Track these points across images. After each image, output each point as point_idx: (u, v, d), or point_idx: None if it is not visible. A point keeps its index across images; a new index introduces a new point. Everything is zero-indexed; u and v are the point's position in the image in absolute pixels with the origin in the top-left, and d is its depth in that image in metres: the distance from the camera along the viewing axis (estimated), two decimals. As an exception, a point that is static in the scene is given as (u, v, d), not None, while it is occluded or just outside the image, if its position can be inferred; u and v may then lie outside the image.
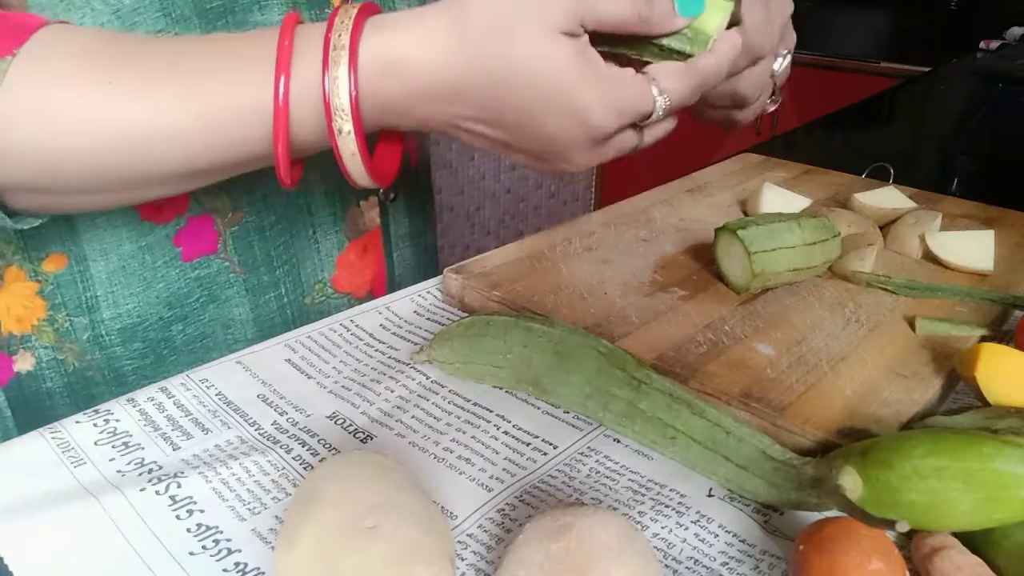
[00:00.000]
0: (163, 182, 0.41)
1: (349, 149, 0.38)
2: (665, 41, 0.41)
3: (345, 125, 0.37)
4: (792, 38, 0.50)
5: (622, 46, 0.41)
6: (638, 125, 0.42)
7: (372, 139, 0.41)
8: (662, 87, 0.40)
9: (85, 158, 0.38)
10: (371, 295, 0.63)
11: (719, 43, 0.42)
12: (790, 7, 0.49)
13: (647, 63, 0.42)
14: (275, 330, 0.57)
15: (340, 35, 0.37)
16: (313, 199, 0.57)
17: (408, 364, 0.50)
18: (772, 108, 0.53)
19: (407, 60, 0.37)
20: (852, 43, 2.32)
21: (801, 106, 2.21)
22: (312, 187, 0.57)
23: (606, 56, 0.40)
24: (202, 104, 0.37)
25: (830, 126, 1.21)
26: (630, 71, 0.40)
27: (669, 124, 0.44)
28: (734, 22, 0.43)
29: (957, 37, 1.98)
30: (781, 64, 0.51)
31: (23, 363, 0.52)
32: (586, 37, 0.38)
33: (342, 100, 0.37)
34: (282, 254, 0.57)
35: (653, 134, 0.44)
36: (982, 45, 1.79)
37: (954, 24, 2.29)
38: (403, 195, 0.64)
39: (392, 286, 0.65)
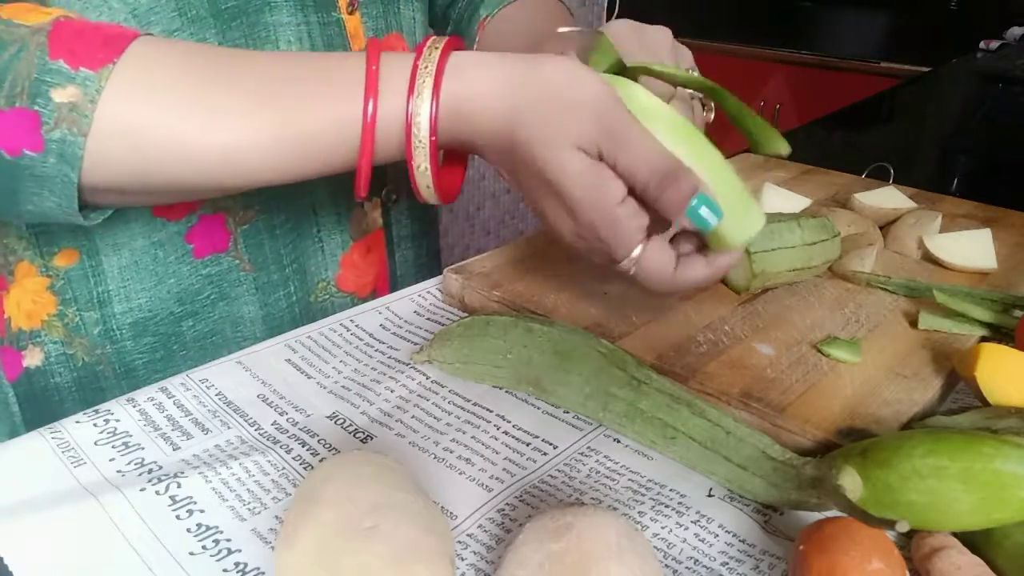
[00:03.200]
0: (241, 188, 0.44)
1: (423, 165, 0.42)
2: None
3: (423, 143, 0.41)
4: (686, 54, 0.53)
5: None
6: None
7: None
8: (640, 258, 0.43)
9: (175, 172, 0.40)
10: (374, 295, 0.63)
11: (718, 261, 0.45)
12: (667, 33, 0.52)
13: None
14: (283, 328, 0.57)
15: (428, 64, 0.40)
16: (318, 199, 0.58)
17: (408, 364, 0.50)
18: (711, 118, 0.54)
19: (474, 103, 0.41)
20: (852, 43, 2.32)
21: (801, 106, 2.21)
22: (318, 187, 0.57)
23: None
24: (290, 122, 0.40)
25: (830, 126, 1.22)
26: (640, 219, 0.42)
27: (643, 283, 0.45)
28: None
29: (957, 37, 1.98)
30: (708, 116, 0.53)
31: (32, 358, 0.53)
32: (603, 167, 0.41)
33: (422, 122, 0.40)
34: (290, 252, 0.57)
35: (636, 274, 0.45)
36: (982, 45, 1.79)
37: (954, 24, 2.30)
38: (406, 197, 0.64)
39: (394, 287, 0.65)
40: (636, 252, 0.42)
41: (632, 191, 0.41)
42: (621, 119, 0.40)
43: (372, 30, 0.56)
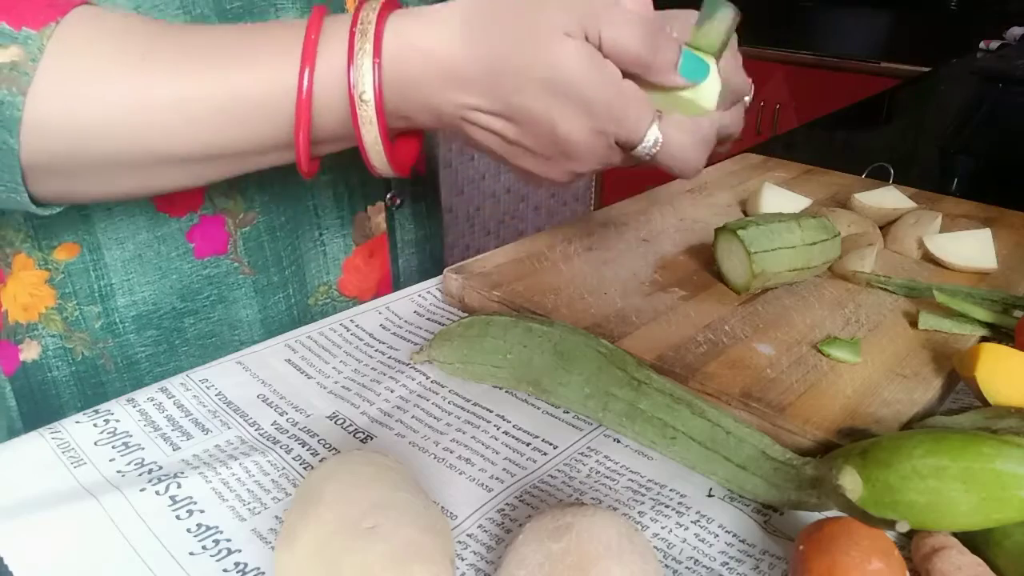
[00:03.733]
0: (182, 163, 0.42)
1: (372, 135, 0.40)
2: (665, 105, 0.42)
3: (368, 113, 0.39)
4: (748, 81, 0.52)
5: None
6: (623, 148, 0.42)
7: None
8: (662, 130, 0.41)
9: (111, 131, 0.38)
10: (376, 297, 0.63)
11: (723, 118, 0.44)
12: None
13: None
14: (282, 332, 0.57)
15: (365, 28, 0.38)
16: (321, 202, 0.58)
17: (408, 364, 0.50)
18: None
19: (423, 46, 0.39)
20: (852, 43, 2.32)
21: (801, 106, 2.21)
22: (321, 190, 0.57)
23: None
24: (228, 86, 0.39)
25: (830, 126, 1.22)
26: (642, 96, 0.41)
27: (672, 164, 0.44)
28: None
29: (957, 37, 1.98)
30: (747, 102, 0.52)
31: (29, 352, 0.53)
32: (594, 48, 0.39)
33: (367, 89, 0.38)
34: (290, 255, 0.57)
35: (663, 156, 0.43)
36: (982, 45, 1.79)
37: (954, 24, 2.30)
38: (409, 202, 0.64)
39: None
40: (652, 132, 0.41)
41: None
42: None
43: None
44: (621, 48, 0.39)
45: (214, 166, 0.43)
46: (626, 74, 0.40)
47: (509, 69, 0.38)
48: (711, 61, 0.42)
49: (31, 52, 0.36)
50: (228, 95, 0.39)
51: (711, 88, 0.42)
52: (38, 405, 0.54)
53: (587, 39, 0.39)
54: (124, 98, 0.38)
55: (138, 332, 0.53)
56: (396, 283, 0.65)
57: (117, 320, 0.52)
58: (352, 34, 0.38)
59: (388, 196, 0.62)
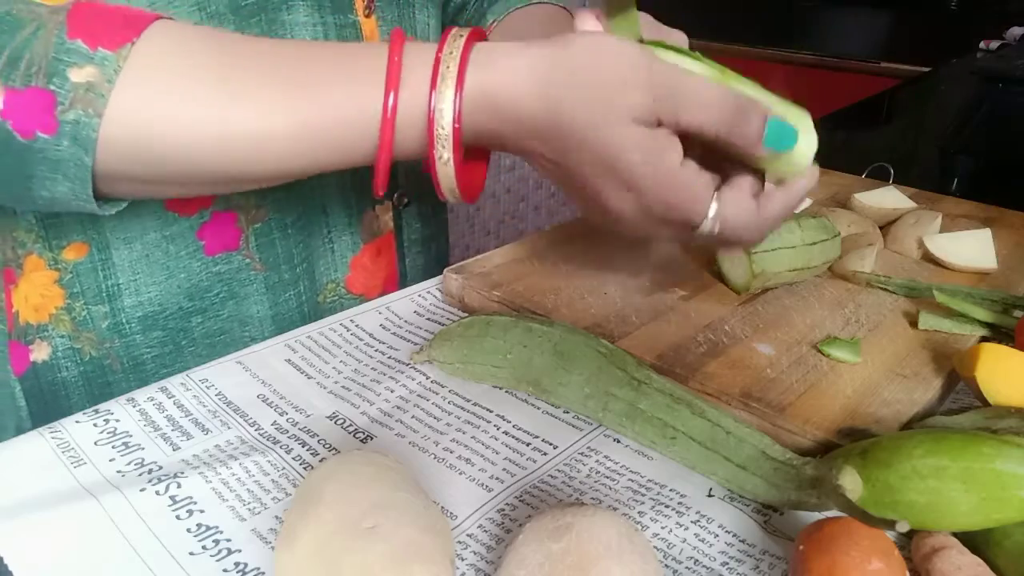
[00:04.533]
0: (258, 180, 0.43)
1: (445, 159, 0.41)
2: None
3: (445, 139, 0.40)
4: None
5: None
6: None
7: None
8: (720, 211, 0.42)
9: (190, 154, 0.39)
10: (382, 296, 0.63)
11: (795, 187, 0.44)
12: (683, 37, 0.50)
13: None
14: (292, 328, 0.57)
15: (450, 57, 0.39)
16: (329, 200, 0.58)
17: (408, 364, 0.50)
18: None
19: (502, 92, 0.40)
20: (852, 43, 2.32)
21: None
22: (329, 189, 0.57)
23: (709, 159, 0.42)
24: (311, 111, 0.39)
25: (830, 126, 1.21)
26: (703, 178, 0.41)
27: (732, 243, 0.44)
28: None
29: (957, 37, 1.98)
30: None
31: (39, 352, 0.53)
32: (665, 129, 0.40)
33: (446, 116, 0.39)
34: (301, 252, 0.57)
35: (718, 240, 0.44)
36: (982, 45, 1.79)
37: (954, 24, 2.29)
38: (416, 201, 0.64)
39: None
40: (713, 209, 0.41)
41: (693, 149, 0.40)
42: (670, 77, 0.39)
43: (388, 33, 0.56)
44: (698, 127, 0.40)
45: (285, 180, 0.44)
46: (714, 147, 0.41)
47: (575, 135, 0.40)
48: (803, 119, 0.42)
49: (107, 73, 0.37)
50: (309, 119, 0.39)
51: (803, 150, 0.42)
52: (47, 405, 0.54)
53: (660, 123, 0.39)
54: (200, 123, 0.38)
55: (144, 333, 0.53)
56: (403, 281, 0.65)
57: (123, 320, 0.52)
58: (437, 60, 0.39)
59: (396, 195, 0.62)
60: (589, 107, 0.39)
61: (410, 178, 0.63)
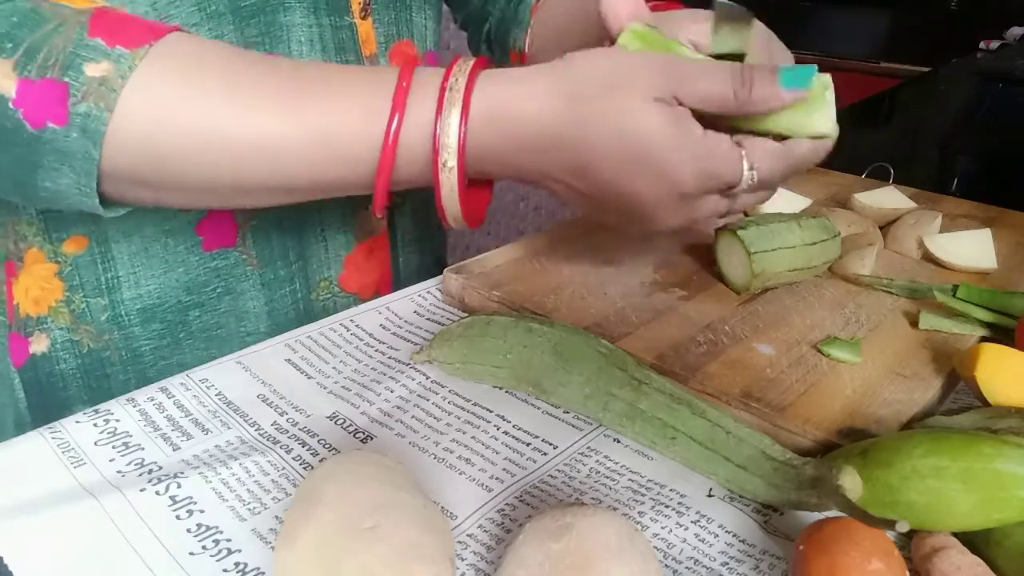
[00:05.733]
0: (260, 192, 0.43)
1: (449, 186, 0.41)
2: (770, 125, 0.43)
3: (450, 164, 0.40)
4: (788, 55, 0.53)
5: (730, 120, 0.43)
6: (726, 193, 0.43)
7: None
8: (753, 162, 0.42)
9: (194, 158, 0.40)
10: (376, 296, 0.63)
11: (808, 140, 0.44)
12: (790, 55, 0.50)
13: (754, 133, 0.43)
14: (287, 324, 0.58)
15: (456, 81, 0.40)
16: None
17: (408, 364, 0.50)
18: None
19: (511, 113, 0.40)
20: (852, 43, 2.32)
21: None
22: None
23: (709, 123, 0.41)
24: (316, 125, 0.40)
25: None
26: (725, 139, 0.42)
27: (761, 195, 0.45)
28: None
29: (957, 37, 1.98)
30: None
31: (38, 344, 0.53)
32: (682, 108, 0.40)
33: (451, 142, 0.40)
34: (295, 248, 0.58)
35: (743, 202, 0.45)
36: (982, 45, 1.79)
37: (954, 24, 2.30)
38: (410, 203, 0.64)
39: (397, 290, 0.65)
40: (746, 164, 0.42)
41: (714, 122, 0.41)
42: (676, 61, 0.40)
43: (384, 36, 0.56)
44: (714, 97, 0.40)
45: (289, 196, 0.44)
46: (730, 121, 0.41)
47: (600, 139, 0.40)
48: (814, 71, 0.42)
49: (121, 70, 0.37)
50: (314, 133, 0.40)
51: (823, 111, 0.43)
52: (46, 397, 0.54)
53: (679, 101, 0.40)
54: (207, 125, 0.39)
55: (142, 325, 0.54)
56: (396, 280, 0.65)
57: (122, 313, 0.53)
58: (443, 88, 0.39)
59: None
60: (608, 104, 0.39)
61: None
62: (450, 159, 0.40)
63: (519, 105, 0.40)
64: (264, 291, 0.57)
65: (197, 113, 0.39)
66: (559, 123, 0.40)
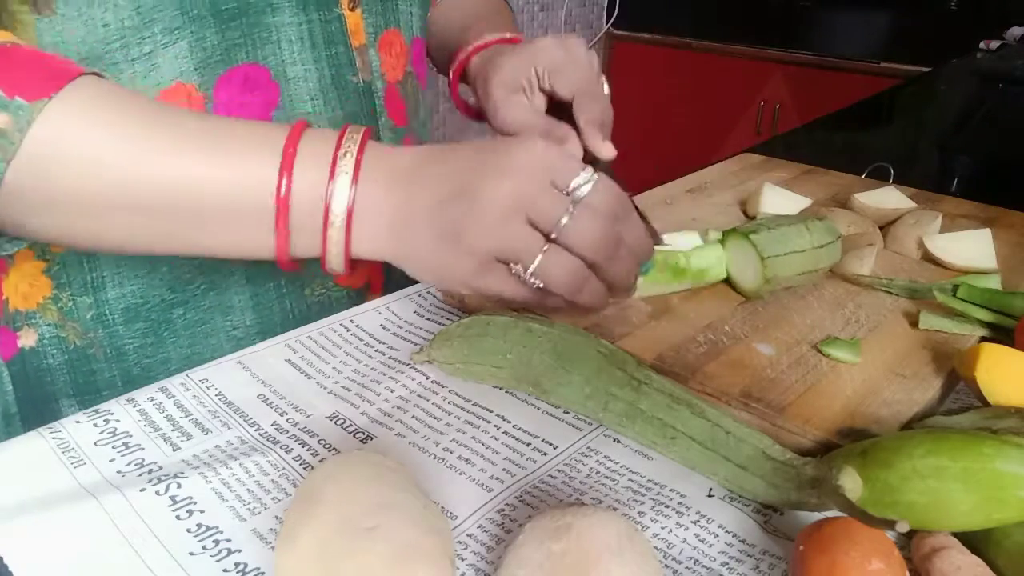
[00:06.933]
0: (161, 239, 0.42)
1: (336, 249, 0.40)
2: None
3: (337, 222, 0.39)
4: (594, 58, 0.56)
5: None
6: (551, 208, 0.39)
7: None
8: (593, 174, 0.40)
9: (98, 200, 0.39)
10: (367, 287, 0.63)
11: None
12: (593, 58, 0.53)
13: None
14: (274, 319, 0.58)
15: (348, 150, 0.40)
16: None
17: (408, 364, 0.50)
18: None
19: (390, 161, 0.41)
20: (852, 43, 2.32)
21: (801, 106, 2.21)
22: None
23: None
24: (224, 174, 0.39)
25: (830, 126, 1.21)
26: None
27: (588, 233, 0.39)
28: None
29: (957, 37, 1.98)
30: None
31: (27, 339, 0.54)
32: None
33: (340, 206, 0.39)
34: None
35: (575, 234, 0.39)
36: (982, 45, 1.79)
37: (954, 24, 2.29)
38: None
39: (388, 279, 0.65)
40: (585, 171, 0.40)
41: None
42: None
43: (372, 26, 0.57)
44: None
45: (197, 249, 0.43)
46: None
47: (452, 150, 0.41)
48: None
49: (19, 123, 0.37)
50: (223, 180, 0.39)
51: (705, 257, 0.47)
52: (32, 391, 0.55)
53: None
54: (99, 180, 0.38)
55: (126, 324, 0.54)
56: (387, 273, 0.65)
57: (107, 312, 0.53)
58: (335, 156, 0.39)
59: None
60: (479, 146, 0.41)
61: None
62: (339, 220, 0.39)
63: (395, 156, 0.41)
64: (249, 286, 0.57)
65: (96, 161, 0.38)
66: (428, 157, 0.41)
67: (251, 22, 0.50)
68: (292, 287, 0.59)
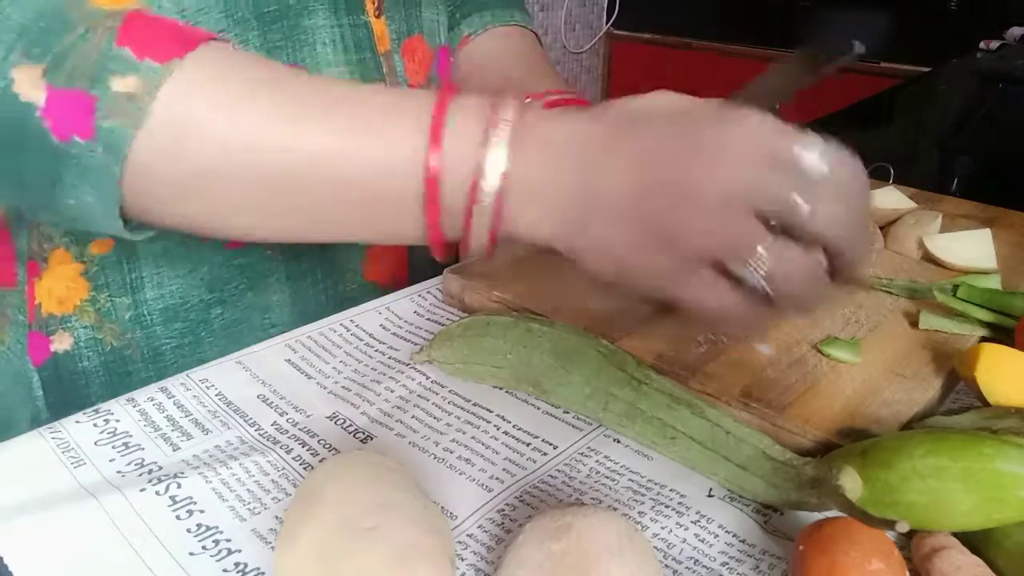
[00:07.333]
0: (290, 212, 0.40)
1: (483, 227, 0.37)
2: None
3: (488, 202, 0.36)
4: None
5: None
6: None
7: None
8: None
9: (235, 172, 0.37)
10: (393, 283, 0.64)
11: None
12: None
13: None
14: (312, 315, 0.57)
15: (503, 119, 0.36)
16: None
17: (408, 364, 0.50)
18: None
19: (559, 127, 0.37)
20: (852, 43, 2.32)
21: (801, 106, 2.21)
22: None
23: None
24: (359, 144, 0.37)
25: (830, 126, 1.21)
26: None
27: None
28: None
29: (957, 37, 1.98)
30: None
31: (60, 343, 0.54)
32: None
33: (493, 174, 0.36)
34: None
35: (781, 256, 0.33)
36: (982, 45, 1.79)
37: (954, 24, 2.29)
38: None
39: (413, 276, 0.65)
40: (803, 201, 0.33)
41: None
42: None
43: (396, 32, 0.58)
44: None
45: (332, 229, 0.41)
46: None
47: (641, 117, 0.36)
48: None
49: (149, 86, 0.36)
50: (357, 150, 0.37)
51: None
52: (66, 395, 0.55)
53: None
54: (236, 150, 0.37)
55: (165, 324, 0.54)
56: (412, 267, 0.66)
57: (145, 312, 0.53)
58: (490, 120, 0.36)
59: None
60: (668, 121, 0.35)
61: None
62: (490, 191, 0.36)
63: (557, 126, 0.36)
64: (289, 283, 0.57)
65: (231, 128, 0.37)
66: (607, 131, 0.35)
67: (291, 24, 0.51)
68: (328, 282, 0.59)
